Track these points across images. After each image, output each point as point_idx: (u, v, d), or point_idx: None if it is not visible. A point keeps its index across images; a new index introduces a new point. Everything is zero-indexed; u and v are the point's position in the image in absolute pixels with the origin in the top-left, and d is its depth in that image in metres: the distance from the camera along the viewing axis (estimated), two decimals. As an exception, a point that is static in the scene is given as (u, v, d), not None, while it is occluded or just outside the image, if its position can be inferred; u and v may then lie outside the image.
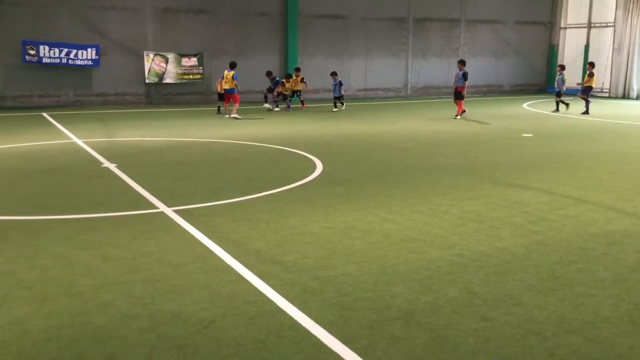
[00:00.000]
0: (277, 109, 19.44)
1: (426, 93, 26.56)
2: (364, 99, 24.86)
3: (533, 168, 10.01)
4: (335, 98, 19.91)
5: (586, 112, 18.70)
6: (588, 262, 5.42)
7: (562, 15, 28.67)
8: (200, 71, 21.73)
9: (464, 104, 17.91)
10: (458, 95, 17.51)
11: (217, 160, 10.67)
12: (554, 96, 20.15)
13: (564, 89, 19.74)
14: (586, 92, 19.32)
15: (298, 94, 19.91)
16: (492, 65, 27.95)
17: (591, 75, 19.45)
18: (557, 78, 19.86)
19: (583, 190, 8.29)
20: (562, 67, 19.98)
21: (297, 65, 21.43)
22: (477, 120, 17.36)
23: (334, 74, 20.17)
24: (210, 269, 5.19)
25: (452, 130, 15.03)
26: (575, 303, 4.53)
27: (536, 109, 20.21)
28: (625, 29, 25.58)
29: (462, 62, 17.72)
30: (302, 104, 20.10)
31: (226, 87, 17.14)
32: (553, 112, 19.51)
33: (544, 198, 7.87)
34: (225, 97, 17.50)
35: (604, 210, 7.29)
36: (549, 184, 8.69)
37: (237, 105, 17.12)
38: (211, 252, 5.62)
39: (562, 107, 19.62)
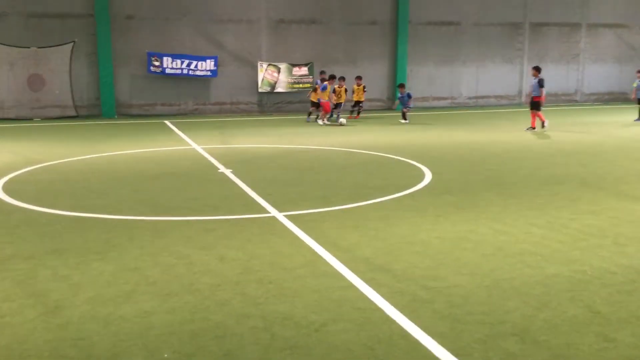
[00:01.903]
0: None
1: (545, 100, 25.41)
2: (475, 107, 24.23)
3: (663, 181, 9.26)
4: (404, 110, 18.73)
5: None
6: None
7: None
8: (310, 80, 22.21)
9: (544, 114, 16.40)
10: (535, 105, 15.94)
11: (326, 167, 10.84)
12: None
13: None
14: None
15: (339, 106, 18.96)
16: (616, 72, 26.24)
17: None
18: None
19: None
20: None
21: (342, 76, 20.06)
22: (599, 129, 16.35)
23: (401, 86, 19.34)
24: (320, 273, 5.28)
25: (571, 139, 14.26)
26: None
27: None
28: None
29: (536, 69, 16.20)
30: (358, 113, 19.90)
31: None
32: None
33: (676, 214, 7.25)
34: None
35: None
36: (682, 199, 8.00)
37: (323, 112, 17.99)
38: (320, 257, 5.71)
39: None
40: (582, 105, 24.84)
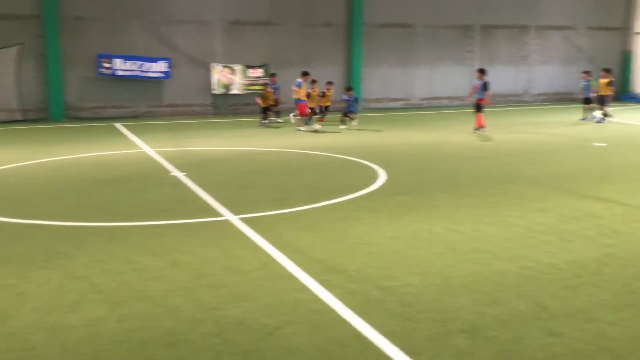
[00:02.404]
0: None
1: (493, 101, 25.95)
2: (428, 108, 24.59)
3: (606, 179, 9.60)
4: (346, 114, 18.17)
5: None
6: (667, 278, 5.15)
7: (638, 20, 27.43)
8: (265, 82, 22.12)
9: (484, 118, 15.75)
10: (478, 107, 15.56)
11: (282, 169, 10.82)
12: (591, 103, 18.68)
13: (592, 95, 18.50)
14: (603, 102, 18.07)
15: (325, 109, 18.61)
16: (563, 73, 27.03)
17: (611, 83, 18.12)
18: (585, 84, 18.58)
19: (662, 202, 7.88)
20: (588, 73, 19.00)
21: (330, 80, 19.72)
22: (547, 129, 16.83)
23: (349, 89, 18.78)
24: (275, 276, 5.26)
25: (520, 139, 14.63)
26: (651, 321, 4.30)
27: (610, 117, 19.35)
28: None
29: (481, 71, 15.80)
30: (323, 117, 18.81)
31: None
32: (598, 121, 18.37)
33: (617, 210, 7.53)
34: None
35: (685, 223, 6.90)
36: (623, 196, 8.31)
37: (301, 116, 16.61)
38: (275, 260, 5.69)
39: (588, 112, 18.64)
40: (531, 105, 25.51)
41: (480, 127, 15.62)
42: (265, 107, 18.25)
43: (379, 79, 23.97)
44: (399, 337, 4.06)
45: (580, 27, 27.26)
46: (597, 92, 18.51)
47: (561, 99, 26.94)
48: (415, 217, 7.24)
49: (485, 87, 15.65)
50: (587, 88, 18.65)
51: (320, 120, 18.73)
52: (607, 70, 18.47)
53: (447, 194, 8.60)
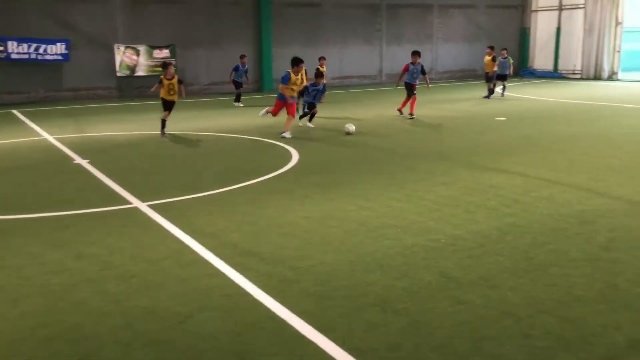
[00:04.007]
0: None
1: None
2: (340, 87, 24.81)
3: (507, 151, 10.10)
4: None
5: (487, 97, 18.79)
6: (561, 243, 5.49)
7: (534, -1, 28.91)
8: (173, 63, 21.45)
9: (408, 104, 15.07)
10: (413, 90, 14.94)
11: (192, 153, 10.57)
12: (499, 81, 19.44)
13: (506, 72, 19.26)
14: (492, 78, 18.93)
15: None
16: (465, 50, 28.10)
17: (494, 59, 18.88)
18: (502, 60, 19.24)
19: (556, 172, 8.39)
20: (506, 50, 19.64)
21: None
22: (452, 106, 17.45)
23: (319, 75, 17.78)
24: (186, 263, 5.15)
25: (427, 115, 15.08)
26: (548, 283, 4.58)
27: (509, 92, 20.35)
28: (596, 11, 25.87)
29: (417, 54, 15.15)
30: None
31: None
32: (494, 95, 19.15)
33: (517, 181, 7.95)
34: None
35: (577, 191, 7.39)
36: (522, 167, 8.77)
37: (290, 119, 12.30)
38: (187, 246, 5.57)
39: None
40: (437, 82, 26.32)
41: (401, 110, 15.08)
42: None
43: (289, 59, 23.85)
44: (313, 316, 4.09)
45: (480, 6, 28.35)
46: (507, 70, 19.20)
47: (464, 75, 28.02)
48: (328, 197, 7.31)
49: (423, 70, 15.09)
50: (505, 65, 19.34)
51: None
52: (492, 48, 19.29)
53: (359, 172, 8.74)
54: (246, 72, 18.51)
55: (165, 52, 21.38)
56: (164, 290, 4.58)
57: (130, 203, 7.09)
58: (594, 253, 5.21)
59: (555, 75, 27.83)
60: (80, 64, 20.24)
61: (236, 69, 18.32)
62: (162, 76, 12.46)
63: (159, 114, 14.08)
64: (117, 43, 20.63)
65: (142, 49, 21.00)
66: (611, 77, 25.98)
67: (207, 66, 22.41)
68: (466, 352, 3.61)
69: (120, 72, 20.82)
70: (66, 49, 19.76)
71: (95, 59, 20.58)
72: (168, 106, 12.43)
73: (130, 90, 21.30)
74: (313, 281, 4.72)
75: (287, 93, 12.39)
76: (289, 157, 9.83)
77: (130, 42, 20.89)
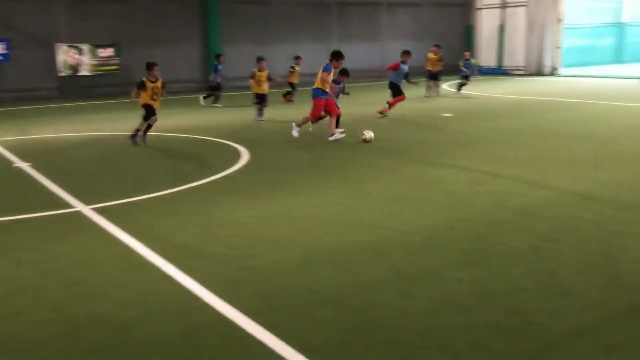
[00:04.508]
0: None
1: (353, 77, 26.73)
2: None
3: (453, 146, 10.29)
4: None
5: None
6: (504, 235, 5.64)
7: (477, -3, 29.55)
8: (117, 62, 20.97)
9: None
10: (400, 90, 15.03)
11: (138, 154, 10.35)
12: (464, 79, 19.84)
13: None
14: (437, 77, 19.20)
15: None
16: (412, 48, 28.32)
17: (441, 59, 19.04)
18: (465, 61, 19.62)
19: (500, 166, 8.61)
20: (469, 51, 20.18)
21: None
22: (401, 103, 17.64)
23: (297, 60, 17.84)
24: (132, 267, 5.03)
25: (376, 113, 15.22)
26: (493, 275, 4.69)
27: (455, 89, 20.75)
28: (538, 8, 26.66)
29: (409, 53, 15.26)
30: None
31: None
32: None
33: (463, 175, 8.11)
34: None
35: (519, 183, 7.60)
36: (468, 161, 8.96)
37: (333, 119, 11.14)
38: (132, 249, 5.45)
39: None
40: (383, 80, 26.54)
41: (384, 111, 14.74)
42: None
43: (240, 57, 23.68)
44: (263, 315, 4.07)
45: (426, 4, 28.80)
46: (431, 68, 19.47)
47: (412, 73, 28.34)
48: (278, 195, 7.28)
49: (407, 72, 14.95)
50: (468, 66, 19.65)
51: (289, 99, 17.63)
52: (438, 46, 19.67)
53: (309, 170, 8.74)
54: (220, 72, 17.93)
55: (109, 51, 20.88)
56: (108, 296, 4.46)
57: (74, 207, 6.89)
58: (535, 244, 5.36)
59: (499, 71, 28.53)
60: (20, 64, 19.54)
61: (215, 69, 17.46)
62: (145, 79, 10.78)
63: (104, 115, 13.72)
64: (60, 42, 20.01)
65: (85, 48, 20.44)
66: (553, 72, 26.83)
67: (154, 65, 21.98)
68: (414, 345, 3.66)
69: (63, 72, 20.21)
70: (6, 49, 19.04)
71: (36, 59, 19.91)
72: (151, 113, 10.75)
73: (73, 90, 20.69)
74: (263, 280, 4.70)
75: (328, 88, 10.87)
76: (239, 156, 9.75)
77: (73, 41, 20.30)
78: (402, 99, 14.96)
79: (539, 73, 26.89)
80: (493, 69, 28.79)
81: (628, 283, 4.47)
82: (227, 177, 8.31)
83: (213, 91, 17.61)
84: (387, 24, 27.75)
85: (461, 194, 7.13)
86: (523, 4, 27.46)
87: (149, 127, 11.07)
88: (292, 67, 17.88)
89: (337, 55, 11.08)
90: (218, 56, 17.68)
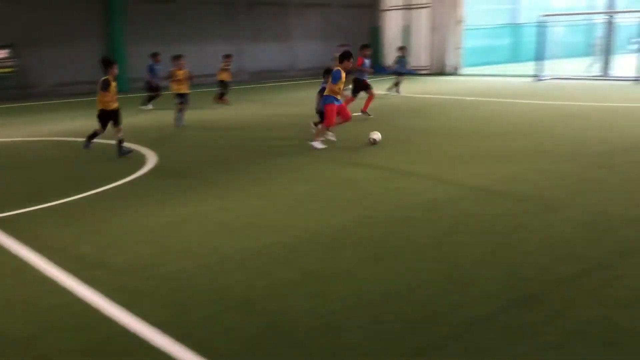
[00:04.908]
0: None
1: (262, 77, 26.67)
2: (197, 85, 24.30)
3: (364, 145, 10.48)
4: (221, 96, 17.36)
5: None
6: (411, 231, 5.80)
7: (384, -2, 30.33)
8: (12, 64, 19.76)
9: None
10: (367, 86, 14.71)
11: (35, 161, 9.80)
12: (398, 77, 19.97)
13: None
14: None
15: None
16: (322, 48, 28.81)
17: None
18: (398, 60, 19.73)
19: (408, 164, 8.86)
20: (403, 49, 20.26)
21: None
22: (313, 103, 17.79)
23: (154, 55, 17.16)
24: (29, 281, 4.74)
25: (289, 113, 15.26)
26: (400, 270, 4.82)
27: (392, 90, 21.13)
28: (440, 10, 27.71)
29: (369, 47, 15.07)
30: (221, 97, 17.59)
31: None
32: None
33: (373, 173, 8.28)
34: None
35: (425, 180, 7.86)
36: (378, 160, 9.16)
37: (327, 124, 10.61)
38: (27, 263, 5.14)
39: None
40: (296, 80, 26.76)
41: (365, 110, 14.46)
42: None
43: (144, 58, 22.97)
44: (171, 325, 3.95)
45: (335, 5, 29.21)
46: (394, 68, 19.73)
47: (320, 73, 28.72)
48: (186, 199, 7.12)
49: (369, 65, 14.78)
50: (402, 63, 19.86)
51: (223, 101, 17.01)
52: (343, 45, 19.93)
53: (219, 172, 8.62)
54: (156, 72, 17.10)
55: (3, 53, 19.62)
56: (4, 313, 4.18)
57: (-37, 220, 6.41)
58: (440, 238, 5.56)
59: (405, 71, 29.35)
60: None
61: (152, 69, 16.58)
62: (108, 77, 9.55)
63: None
64: (-55, 42, 18.60)
65: (-25, 49, 19.11)
66: (455, 72, 27.98)
67: (54, 66, 20.90)
68: (325, 345, 3.69)
69: (-50, 75, 18.81)
70: None
71: None
72: (111, 118, 9.70)
73: (-37, 94, 19.31)
74: (170, 289, 4.57)
75: (337, 94, 10.45)
76: (144, 160, 9.45)
77: (-39, 41, 18.93)
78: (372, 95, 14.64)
79: (442, 72, 27.96)
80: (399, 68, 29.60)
81: (525, 272, 4.72)
82: (133, 183, 8.03)
83: (152, 92, 16.73)
84: (297, 24, 27.90)
85: (371, 192, 7.27)
86: (426, 5, 28.45)
87: (95, 135, 9.99)
88: (227, 66, 17.36)
89: (348, 56, 10.54)
90: (155, 55, 16.87)
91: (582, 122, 12.59)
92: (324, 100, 10.48)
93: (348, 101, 13.89)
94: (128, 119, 14.47)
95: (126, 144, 10.04)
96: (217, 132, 12.29)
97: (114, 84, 9.61)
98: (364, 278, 4.68)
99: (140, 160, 9.41)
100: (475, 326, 3.85)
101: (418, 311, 4.08)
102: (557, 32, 25.32)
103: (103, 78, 9.53)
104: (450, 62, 27.92)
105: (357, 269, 4.87)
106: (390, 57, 30.30)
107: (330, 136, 10.88)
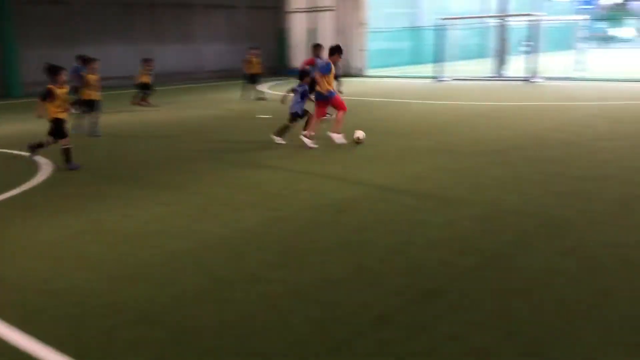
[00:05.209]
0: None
1: (167, 80, 25.98)
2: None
3: (267, 147, 10.44)
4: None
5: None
6: (319, 231, 5.84)
7: (289, 0, 30.38)
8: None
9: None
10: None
11: None
12: None
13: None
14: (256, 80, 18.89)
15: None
16: (229, 50, 28.52)
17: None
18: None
19: (314, 164, 8.93)
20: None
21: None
22: (221, 105, 17.56)
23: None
24: None
25: (196, 115, 14.97)
26: (308, 271, 4.83)
27: (273, 91, 21.17)
28: (343, 13, 28.19)
29: (321, 47, 14.41)
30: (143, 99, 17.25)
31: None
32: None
33: (281, 175, 8.28)
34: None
35: (333, 180, 7.95)
36: (284, 161, 9.16)
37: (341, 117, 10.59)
38: None
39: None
40: (203, 82, 26.29)
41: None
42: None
43: (38, 60, 21.74)
44: (67, 343, 3.74)
45: (240, 6, 28.99)
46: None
47: (229, 75, 28.41)
48: (86, 209, 6.78)
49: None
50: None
51: (142, 101, 16.43)
52: (257, 48, 19.79)
53: (118, 180, 8.29)
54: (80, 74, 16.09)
55: None
56: None
57: None
58: (347, 237, 5.64)
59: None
60: None
61: (76, 70, 15.15)
62: (51, 86, 8.64)
63: None
64: None
65: None
66: (360, 73, 28.57)
67: None
68: (232, 352, 3.62)
69: None
70: None
71: None
72: (61, 130, 8.79)
73: None
74: (67, 304, 4.32)
75: (325, 87, 10.39)
76: (38, 169, 8.92)
77: None
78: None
79: (347, 74, 28.43)
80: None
81: (427, 267, 4.87)
82: (25, 193, 7.55)
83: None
84: (202, 25, 27.43)
85: (279, 194, 7.25)
86: (330, 8, 28.84)
87: (43, 146, 9.10)
88: (149, 69, 17.24)
89: (339, 50, 10.76)
90: (81, 57, 15.77)
91: (480, 120, 13.23)
92: (329, 94, 10.45)
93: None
94: (30, 126, 13.68)
95: (21, 152, 9.43)
96: (120, 138, 11.83)
97: (59, 92, 8.72)
98: (272, 281, 4.65)
99: (34, 170, 8.87)
100: (379, 324, 3.92)
101: (325, 312, 4.10)
102: (455, 35, 26.46)
103: (48, 87, 8.73)
104: (355, 64, 28.46)
105: (265, 272, 4.83)
106: (297, 59, 30.50)
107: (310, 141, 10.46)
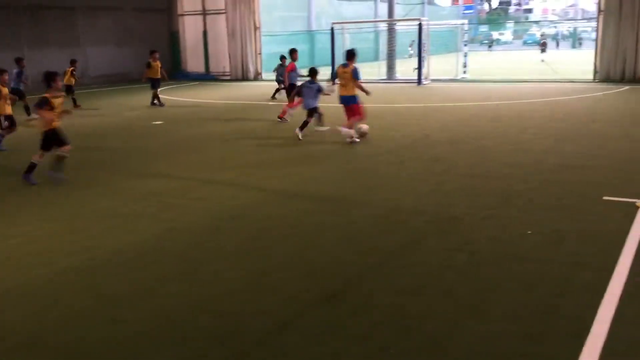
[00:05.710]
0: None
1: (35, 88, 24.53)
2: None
3: (164, 155, 10.16)
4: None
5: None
6: (216, 240, 5.74)
7: (179, 2, 29.67)
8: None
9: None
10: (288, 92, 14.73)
11: None
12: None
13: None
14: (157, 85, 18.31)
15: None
16: (117, 54, 27.43)
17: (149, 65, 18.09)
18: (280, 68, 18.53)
19: (210, 172, 8.77)
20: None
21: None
22: (109, 111, 16.85)
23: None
24: None
25: (81, 123, 14.22)
26: (205, 282, 4.72)
27: (167, 96, 20.58)
28: (236, 16, 27.94)
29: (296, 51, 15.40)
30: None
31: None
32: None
33: (175, 184, 8.05)
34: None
35: (229, 187, 7.85)
36: (179, 169, 8.94)
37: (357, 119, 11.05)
38: None
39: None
40: (91, 88, 25.08)
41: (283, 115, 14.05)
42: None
43: None
44: (-61, 378, 3.41)
45: (127, 8, 27.95)
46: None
47: (119, 79, 27.32)
48: (-41, 228, 6.24)
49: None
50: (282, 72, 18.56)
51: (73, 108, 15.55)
52: (156, 52, 19.06)
53: (7, 192, 7.71)
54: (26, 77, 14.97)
55: None
56: None
57: None
58: (246, 245, 5.58)
59: (207, 77, 29.20)
60: None
61: (20, 75, 14.48)
62: (47, 95, 7.94)
63: None
64: None
65: None
66: (256, 77, 28.46)
67: None
68: (126, 373, 3.46)
69: None
70: None
71: None
72: (59, 139, 8.13)
73: None
74: (-61, 335, 3.95)
75: (352, 91, 11.05)
76: None
77: None
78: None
79: (244, 78, 28.26)
80: (201, 74, 29.35)
81: (327, 270, 4.92)
82: None
83: (23, 100, 14.45)
84: (86, 28, 26.15)
85: (173, 203, 7.05)
86: (222, 11, 28.48)
87: (61, 158, 8.22)
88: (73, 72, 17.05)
89: (355, 55, 11.38)
90: (20, 60, 15.08)
91: (375, 122, 13.58)
92: (355, 100, 11.01)
93: (289, 107, 14.08)
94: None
95: None
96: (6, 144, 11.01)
97: (55, 101, 8.02)
98: (167, 295, 4.50)
99: None
100: (279, 332, 3.90)
101: (224, 323, 4.03)
102: (348, 39, 27.05)
103: (43, 96, 7.95)
104: (251, 67, 28.31)
105: (159, 286, 4.67)
106: (190, 63, 29.88)
107: (324, 128, 11.82)
